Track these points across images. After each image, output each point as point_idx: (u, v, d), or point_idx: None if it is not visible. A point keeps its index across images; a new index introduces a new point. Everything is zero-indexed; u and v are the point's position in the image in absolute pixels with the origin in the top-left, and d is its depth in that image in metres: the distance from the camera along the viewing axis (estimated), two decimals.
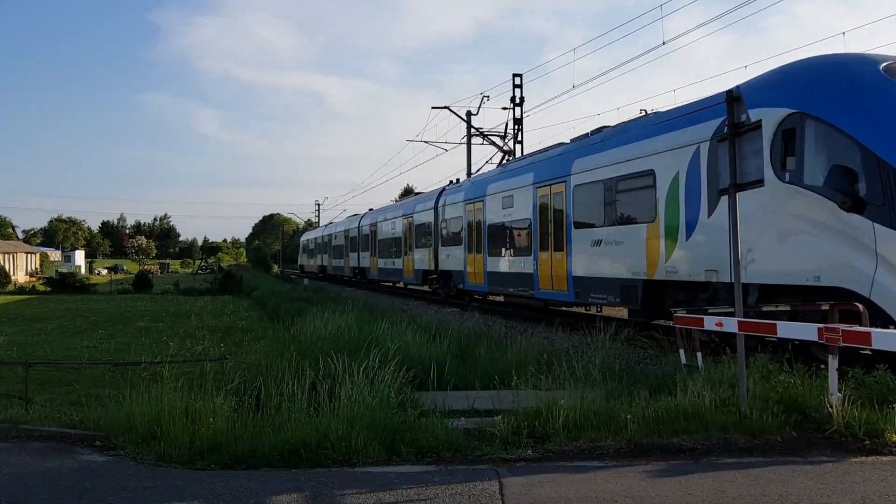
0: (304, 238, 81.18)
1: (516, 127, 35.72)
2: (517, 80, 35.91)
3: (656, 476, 6.24)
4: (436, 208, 30.86)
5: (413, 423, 7.42)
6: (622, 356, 11.77)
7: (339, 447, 6.79)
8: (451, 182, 32.56)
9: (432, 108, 40.35)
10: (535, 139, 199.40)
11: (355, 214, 53.58)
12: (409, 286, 39.82)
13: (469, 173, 37.78)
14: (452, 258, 28.54)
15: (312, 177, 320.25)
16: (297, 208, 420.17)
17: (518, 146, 35.69)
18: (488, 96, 38.52)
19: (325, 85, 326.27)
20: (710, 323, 9.25)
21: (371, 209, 48.45)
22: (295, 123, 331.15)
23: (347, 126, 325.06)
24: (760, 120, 9.59)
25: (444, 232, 29.74)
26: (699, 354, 10.01)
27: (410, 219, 34.91)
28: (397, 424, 7.29)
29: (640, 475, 6.28)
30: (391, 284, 44.62)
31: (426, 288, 34.75)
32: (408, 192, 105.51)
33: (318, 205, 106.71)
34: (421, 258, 32.96)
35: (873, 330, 7.19)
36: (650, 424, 7.35)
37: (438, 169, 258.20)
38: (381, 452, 6.86)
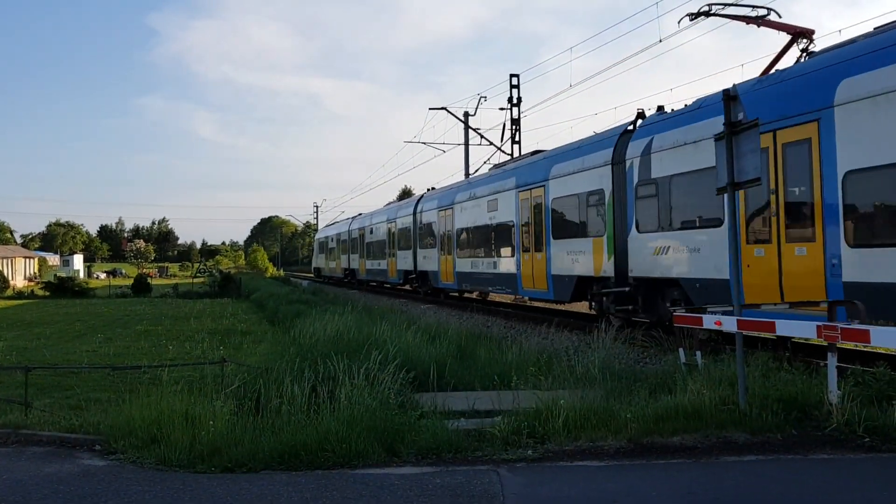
0: (320, 235, 64.88)
1: (514, 127, 35.76)
2: (514, 81, 35.98)
3: (656, 475, 6.23)
4: (617, 164, 16.83)
5: (413, 425, 7.42)
6: (622, 356, 11.77)
7: (340, 449, 6.79)
8: (639, 116, 17.12)
9: (430, 109, 40.63)
10: (532, 139, 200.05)
11: (402, 199, 43.74)
12: (529, 301, 26.02)
13: (467, 174, 37.81)
14: (673, 253, 14.70)
15: (310, 179, 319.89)
16: (295, 210, 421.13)
17: (516, 146, 35.73)
18: (486, 97, 38.50)
19: (322, 87, 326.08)
20: (709, 322, 9.26)
21: (431, 188, 35.60)
22: (293, 126, 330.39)
23: (345, 128, 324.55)
24: None
25: (642, 208, 15.75)
26: (699, 353, 10.01)
27: (537, 191, 20.75)
28: (397, 426, 7.28)
29: (640, 474, 6.28)
30: (457, 295, 31.42)
31: (570, 306, 22.08)
32: (406, 193, 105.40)
33: (317, 207, 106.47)
34: (567, 255, 18.97)
35: (872, 327, 7.20)
36: (650, 423, 7.35)
37: (436, 170, 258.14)
38: (382, 454, 6.86)
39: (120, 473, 6.56)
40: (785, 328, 8.35)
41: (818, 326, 7.56)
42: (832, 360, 7.63)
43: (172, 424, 7.28)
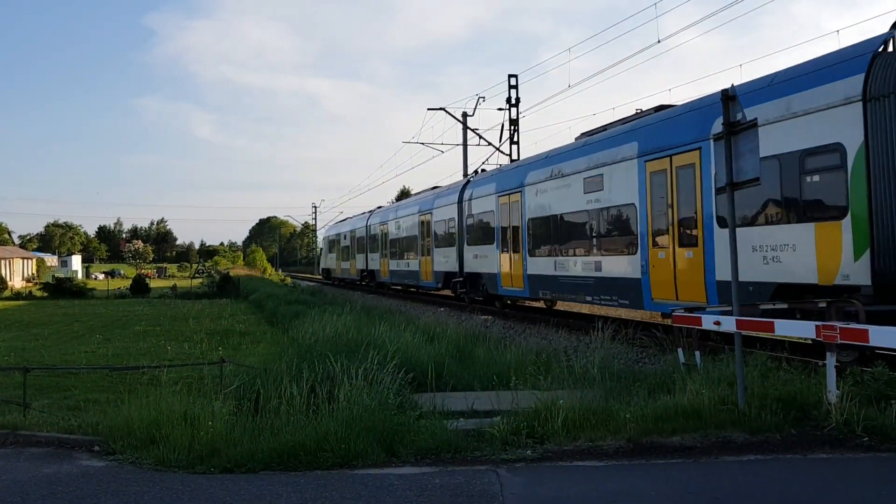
0: (330, 232, 56.04)
1: (512, 127, 35.77)
2: (513, 81, 35.98)
3: (655, 475, 6.24)
4: (875, 99, 10.59)
5: (412, 425, 7.42)
6: (620, 355, 11.78)
7: (339, 449, 6.78)
8: None
9: (428, 109, 40.33)
10: (531, 140, 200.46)
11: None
12: (663, 317, 16.43)
13: (465, 174, 37.82)
14: None
15: (309, 179, 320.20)
16: (293, 211, 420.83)
17: (514, 146, 35.74)
18: (484, 97, 38.33)
19: (320, 87, 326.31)
20: (707, 322, 9.27)
21: (480, 170, 30.48)
22: (291, 126, 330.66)
23: (344, 128, 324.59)
24: None
25: None
26: (698, 353, 10.01)
27: (683, 158, 14.45)
28: (396, 426, 7.28)
29: (639, 474, 6.28)
30: (512, 303, 25.04)
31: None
32: (404, 193, 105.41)
33: (315, 207, 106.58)
34: (752, 251, 12.56)
35: (871, 327, 7.20)
36: (649, 423, 7.35)
37: (435, 170, 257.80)
38: (381, 454, 6.85)
39: (119, 474, 6.55)
40: (784, 328, 8.36)
41: (817, 326, 7.57)
42: (831, 360, 7.64)
43: (171, 425, 7.27)
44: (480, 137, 38.98)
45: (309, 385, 8.51)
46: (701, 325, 9.52)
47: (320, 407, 7.81)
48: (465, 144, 39.39)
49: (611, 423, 7.39)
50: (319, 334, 13.84)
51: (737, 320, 8.25)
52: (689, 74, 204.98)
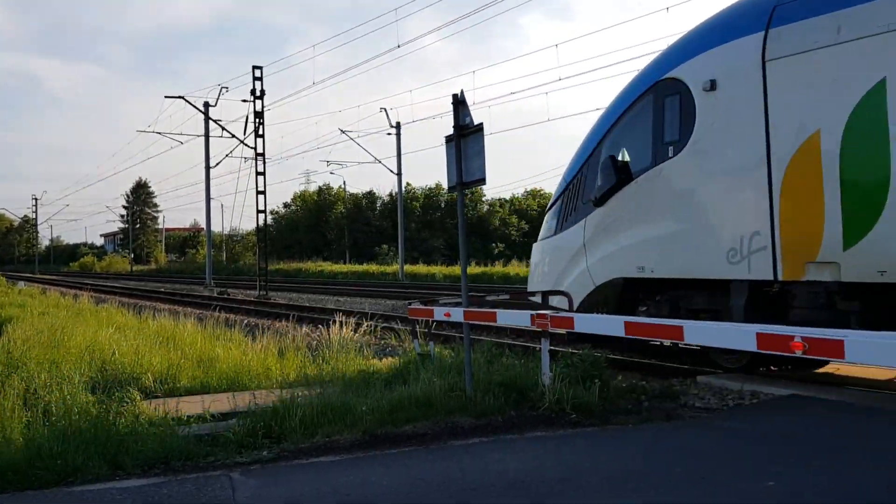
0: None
1: (257, 120, 34.96)
2: (257, 73, 35.17)
3: (389, 465, 6.45)
4: None
5: (141, 433, 7.00)
6: (362, 348, 12.01)
7: (54, 466, 6.22)
8: None
9: (166, 97, 38.15)
10: (277, 133, 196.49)
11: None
12: None
13: (207, 166, 36.37)
14: None
15: (29, 169, 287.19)
16: (9, 203, 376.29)
17: (259, 140, 34.97)
18: (227, 87, 36.96)
19: (42, 68, 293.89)
20: (439, 314, 9.79)
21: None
22: (6, 109, 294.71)
23: (70, 113, 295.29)
24: None
25: None
26: (431, 343, 10.53)
27: None
28: (121, 436, 6.83)
29: (373, 465, 6.45)
30: None
31: None
32: (141, 185, 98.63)
33: (36, 200, 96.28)
34: None
35: (576, 315, 8.06)
36: (385, 414, 7.58)
37: (173, 162, 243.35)
38: (104, 468, 6.38)
39: None
40: (505, 318, 9.07)
41: (532, 315, 8.31)
42: (545, 345, 8.41)
43: None
44: (223, 129, 37.68)
45: (21, 397, 7.72)
46: (433, 317, 10.03)
47: (33, 420, 7.12)
48: (206, 136, 37.85)
49: (348, 417, 7.51)
50: (35, 339, 12.54)
51: (464, 311, 8.81)
52: (430, 77, 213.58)
